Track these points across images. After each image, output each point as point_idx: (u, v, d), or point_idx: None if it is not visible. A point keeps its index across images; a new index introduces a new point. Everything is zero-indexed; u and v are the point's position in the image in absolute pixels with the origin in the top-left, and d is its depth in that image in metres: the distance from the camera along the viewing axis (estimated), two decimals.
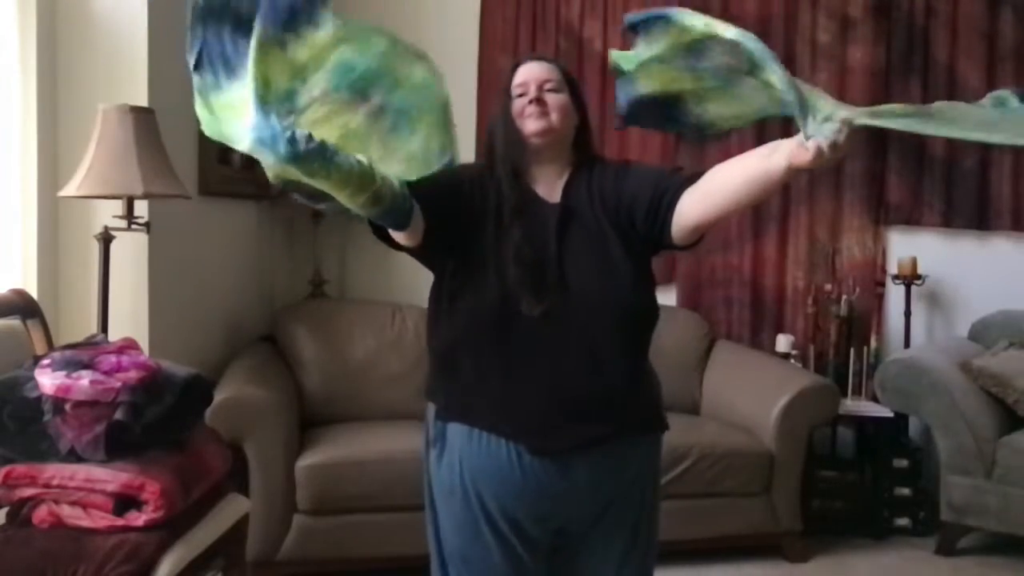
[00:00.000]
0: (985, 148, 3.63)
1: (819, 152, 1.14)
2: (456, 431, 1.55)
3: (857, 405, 3.50)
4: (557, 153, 1.60)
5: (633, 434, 1.58)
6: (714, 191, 1.39)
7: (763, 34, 3.63)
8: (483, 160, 1.64)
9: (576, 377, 1.48)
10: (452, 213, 1.48)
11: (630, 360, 1.55)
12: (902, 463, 3.39)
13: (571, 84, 1.62)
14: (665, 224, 1.47)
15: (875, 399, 3.40)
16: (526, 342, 1.48)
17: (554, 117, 1.56)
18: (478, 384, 1.52)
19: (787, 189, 3.72)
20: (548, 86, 1.57)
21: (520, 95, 1.58)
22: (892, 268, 3.74)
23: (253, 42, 1.09)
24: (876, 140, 3.71)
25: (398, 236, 1.40)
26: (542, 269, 1.49)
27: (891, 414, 3.37)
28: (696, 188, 1.43)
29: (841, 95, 3.68)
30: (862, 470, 3.42)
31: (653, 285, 1.59)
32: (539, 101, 1.55)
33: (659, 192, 1.48)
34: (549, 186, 1.59)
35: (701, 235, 1.49)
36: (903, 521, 3.38)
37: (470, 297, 1.50)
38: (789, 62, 3.66)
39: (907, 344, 3.63)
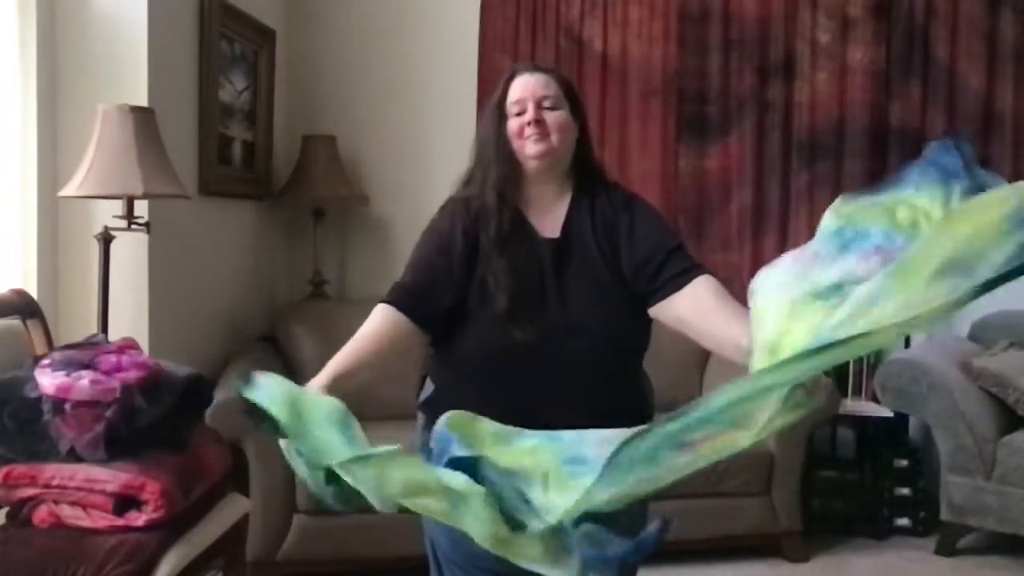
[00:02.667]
0: (985, 147, 3.63)
1: None
2: None
3: (857, 405, 3.50)
4: (555, 173, 1.52)
5: None
6: (696, 331, 1.51)
7: (763, 34, 3.68)
8: (467, 175, 1.56)
9: (571, 404, 1.43)
10: (455, 296, 1.50)
11: (624, 385, 1.53)
12: (902, 463, 3.38)
13: (569, 95, 1.54)
14: (648, 306, 1.50)
15: (875, 399, 3.39)
16: (523, 372, 1.43)
17: (554, 139, 1.48)
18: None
19: (787, 189, 3.72)
20: (546, 103, 1.49)
21: (517, 114, 1.49)
22: None
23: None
24: (876, 139, 3.70)
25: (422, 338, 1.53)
26: (530, 300, 1.44)
27: (891, 414, 3.37)
28: (685, 310, 1.50)
29: (841, 95, 3.69)
30: (862, 470, 3.42)
31: (646, 311, 1.54)
32: (538, 122, 1.47)
33: (655, 281, 1.48)
34: (544, 211, 1.52)
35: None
36: (903, 521, 3.38)
37: (467, 331, 1.47)
38: (789, 62, 3.67)
39: (907, 344, 3.62)
